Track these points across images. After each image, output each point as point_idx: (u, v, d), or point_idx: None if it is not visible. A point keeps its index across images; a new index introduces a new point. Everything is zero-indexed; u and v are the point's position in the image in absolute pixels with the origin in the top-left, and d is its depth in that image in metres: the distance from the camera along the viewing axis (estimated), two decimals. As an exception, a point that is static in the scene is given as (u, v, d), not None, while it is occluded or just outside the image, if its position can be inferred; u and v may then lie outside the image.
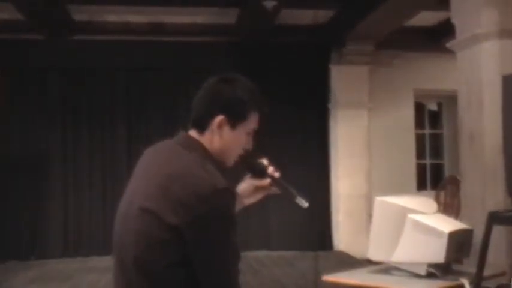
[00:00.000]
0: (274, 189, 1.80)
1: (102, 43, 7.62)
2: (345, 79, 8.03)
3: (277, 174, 1.78)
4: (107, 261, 6.58)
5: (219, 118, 1.59)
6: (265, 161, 1.79)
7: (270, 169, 1.78)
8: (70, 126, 7.73)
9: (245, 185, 1.83)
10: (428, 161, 8.80)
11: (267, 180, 1.77)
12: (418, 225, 2.64)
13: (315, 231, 7.76)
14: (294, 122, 7.93)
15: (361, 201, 7.81)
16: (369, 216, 3.53)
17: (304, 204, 1.70)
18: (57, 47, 7.59)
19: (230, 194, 1.49)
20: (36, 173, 7.55)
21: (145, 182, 1.54)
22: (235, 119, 1.61)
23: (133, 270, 1.48)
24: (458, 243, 2.67)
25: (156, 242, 1.44)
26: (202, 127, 1.61)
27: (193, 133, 1.63)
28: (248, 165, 1.78)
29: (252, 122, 1.65)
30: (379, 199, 2.85)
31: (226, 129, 1.61)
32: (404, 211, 2.71)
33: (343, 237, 7.90)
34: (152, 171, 1.56)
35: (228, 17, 7.36)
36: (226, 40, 7.82)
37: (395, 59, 8.19)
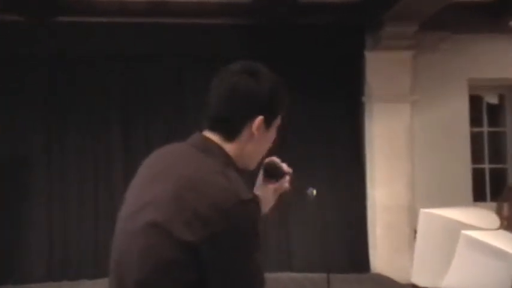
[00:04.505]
0: (286, 186, 1.92)
1: (92, 26, 7.64)
2: (382, 67, 7.99)
3: (290, 170, 1.89)
4: (99, 285, 6.62)
5: (258, 120, 1.63)
6: (278, 160, 1.90)
7: (285, 167, 1.89)
8: (55, 125, 7.78)
9: (263, 191, 1.88)
10: (487, 166, 8.69)
11: (287, 179, 1.88)
12: (475, 243, 2.60)
13: (347, 249, 7.73)
14: (322, 119, 7.91)
15: (402, 214, 7.77)
16: (413, 231, 3.53)
17: (314, 192, 1.89)
18: (38, 30, 7.61)
19: (255, 206, 1.50)
20: (15, 182, 7.60)
21: (154, 191, 1.55)
22: (271, 118, 1.67)
23: (136, 296, 1.49)
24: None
25: (166, 262, 1.44)
26: (230, 133, 1.63)
27: (211, 136, 1.64)
28: (270, 171, 1.88)
29: (280, 117, 1.72)
30: (425, 211, 2.84)
31: (262, 130, 1.65)
32: (457, 226, 2.69)
33: (381, 257, 7.86)
34: (162, 178, 1.56)
35: (243, -6, 7.39)
36: (241, 22, 7.81)
37: (444, 42, 8.12)
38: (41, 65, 7.81)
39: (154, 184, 1.56)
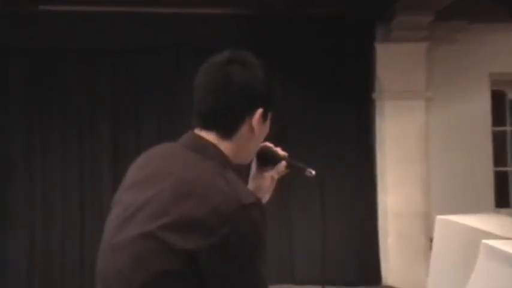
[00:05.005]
0: (283, 171, 1.97)
1: (79, 16, 7.64)
2: (394, 61, 7.98)
3: (286, 154, 1.95)
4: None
5: (258, 113, 1.64)
6: (272, 145, 1.94)
7: (280, 151, 1.94)
8: (37, 126, 7.77)
9: (259, 181, 1.91)
10: (510, 169, 8.70)
11: (283, 164, 1.92)
12: (497, 254, 2.56)
13: (357, 260, 7.73)
14: (328, 117, 7.92)
15: (417, 221, 7.77)
16: (429, 240, 3.51)
17: (313, 172, 1.92)
18: (19, 21, 7.60)
19: (259, 210, 1.50)
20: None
21: (146, 195, 1.53)
22: (268, 110, 1.69)
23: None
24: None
25: (161, 273, 1.42)
26: (226, 130, 1.62)
27: (206, 134, 1.62)
28: (265, 158, 1.92)
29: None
30: (441, 218, 2.83)
31: (260, 123, 1.67)
32: (477, 234, 2.67)
33: (393, 268, 7.86)
34: (155, 181, 1.55)
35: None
36: (240, 13, 7.81)
37: (462, 32, 8.10)
38: (22, 58, 7.80)
39: (146, 188, 1.54)
